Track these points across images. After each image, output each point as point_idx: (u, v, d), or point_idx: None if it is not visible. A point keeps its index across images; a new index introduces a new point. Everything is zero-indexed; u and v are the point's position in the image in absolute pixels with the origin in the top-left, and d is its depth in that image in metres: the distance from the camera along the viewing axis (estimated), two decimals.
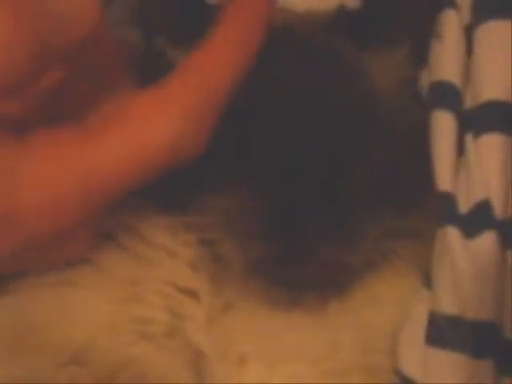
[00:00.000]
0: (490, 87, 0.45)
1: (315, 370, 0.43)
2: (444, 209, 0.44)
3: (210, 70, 0.39)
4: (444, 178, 0.44)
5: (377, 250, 0.43)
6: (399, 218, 0.44)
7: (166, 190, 0.41)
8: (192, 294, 0.44)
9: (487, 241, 0.42)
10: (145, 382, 0.40)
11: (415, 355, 0.43)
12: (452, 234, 0.43)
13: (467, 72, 0.46)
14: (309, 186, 0.41)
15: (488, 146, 0.44)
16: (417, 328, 0.44)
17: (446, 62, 0.47)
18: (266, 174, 0.42)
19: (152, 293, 0.43)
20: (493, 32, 0.45)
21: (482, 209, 0.43)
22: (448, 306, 0.42)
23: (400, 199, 0.44)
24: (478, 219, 0.43)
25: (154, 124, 0.37)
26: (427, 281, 0.45)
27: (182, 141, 0.38)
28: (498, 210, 0.42)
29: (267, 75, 0.43)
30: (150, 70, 0.44)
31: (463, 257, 0.42)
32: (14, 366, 0.39)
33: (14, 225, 0.36)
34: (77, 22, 0.37)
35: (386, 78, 0.46)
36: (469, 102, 0.46)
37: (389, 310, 0.45)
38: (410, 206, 0.44)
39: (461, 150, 0.45)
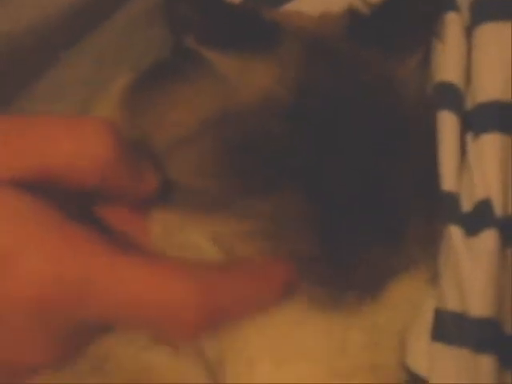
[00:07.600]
0: (488, 87, 0.45)
1: (323, 370, 0.44)
2: (447, 208, 0.45)
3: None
4: (448, 178, 0.45)
5: (414, 253, 0.45)
6: (431, 221, 0.45)
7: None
8: None
9: (488, 239, 0.43)
10: None
11: (422, 351, 0.44)
12: (455, 233, 0.44)
13: (468, 73, 0.47)
14: (353, 189, 0.43)
15: (488, 146, 0.44)
16: (424, 325, 0.45)
17: (447, 63, 0.47)
18: (309, 177, 0.43)
19: None
20: (492, 32, 0.46)
21: (483, 207, 0.44)
22: (452, 302, 0.44)
23: (432, 201, 0.45)
24: (478, 218, 0.44)
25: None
26: (435, 279, 0.46)
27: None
28: (498, 209, 0.43)
29: (303, 84, 0.45)
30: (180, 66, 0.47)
31: (466, 255, 0.43)
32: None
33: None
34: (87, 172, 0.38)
35: (408, 82, 0.47)
36: (469, 103, 0.47)
37: (402, 310, 0.46)
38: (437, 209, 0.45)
39: (463, 149, 0.46)
